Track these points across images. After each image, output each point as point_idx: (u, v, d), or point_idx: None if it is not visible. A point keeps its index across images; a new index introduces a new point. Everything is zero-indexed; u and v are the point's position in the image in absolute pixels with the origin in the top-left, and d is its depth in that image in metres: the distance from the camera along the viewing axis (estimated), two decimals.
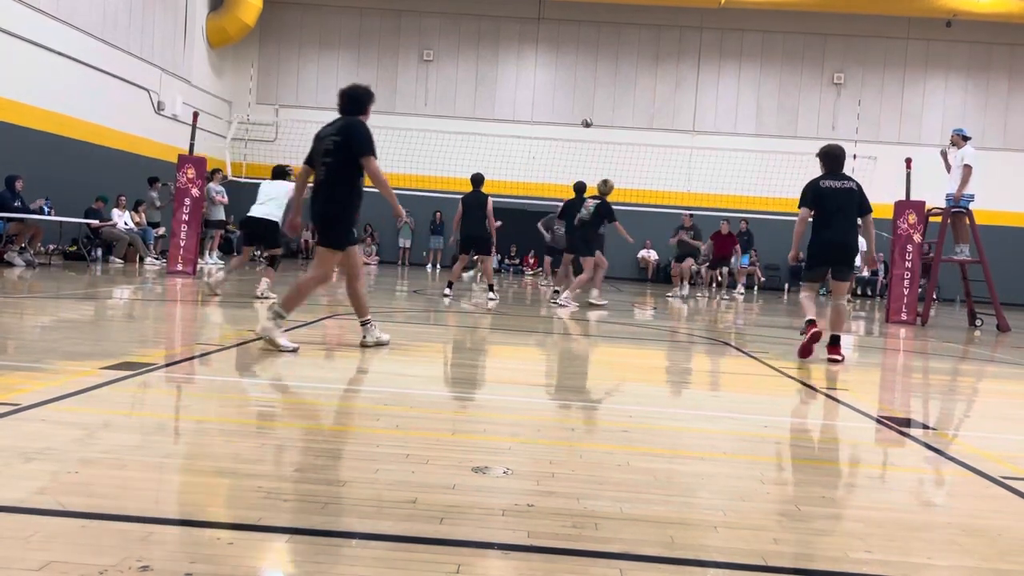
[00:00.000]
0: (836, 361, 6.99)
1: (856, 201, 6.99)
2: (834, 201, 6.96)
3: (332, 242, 5.91)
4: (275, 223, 9.93)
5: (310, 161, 5.99)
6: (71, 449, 2.94)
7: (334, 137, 5.84)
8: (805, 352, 7.02)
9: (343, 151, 5.77)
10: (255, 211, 9.96)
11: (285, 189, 9.96)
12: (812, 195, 7.05)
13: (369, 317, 6.18)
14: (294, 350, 5.59)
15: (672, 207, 20.96)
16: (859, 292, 23.05)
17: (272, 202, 9.94)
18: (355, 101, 5.98)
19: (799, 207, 7.19)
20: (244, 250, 10.67)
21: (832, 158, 7.15)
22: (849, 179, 7.11)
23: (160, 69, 20.25)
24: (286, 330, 5.92)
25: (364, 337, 6.16)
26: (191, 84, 21.93)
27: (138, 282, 11.78)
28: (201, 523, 2.37)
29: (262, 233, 10.10)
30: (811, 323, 7.01)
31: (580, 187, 12.93)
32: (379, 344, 6.15)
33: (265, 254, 11.04)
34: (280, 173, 10.65)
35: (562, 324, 9.70)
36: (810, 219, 7.12)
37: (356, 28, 25.26)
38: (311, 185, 6.08)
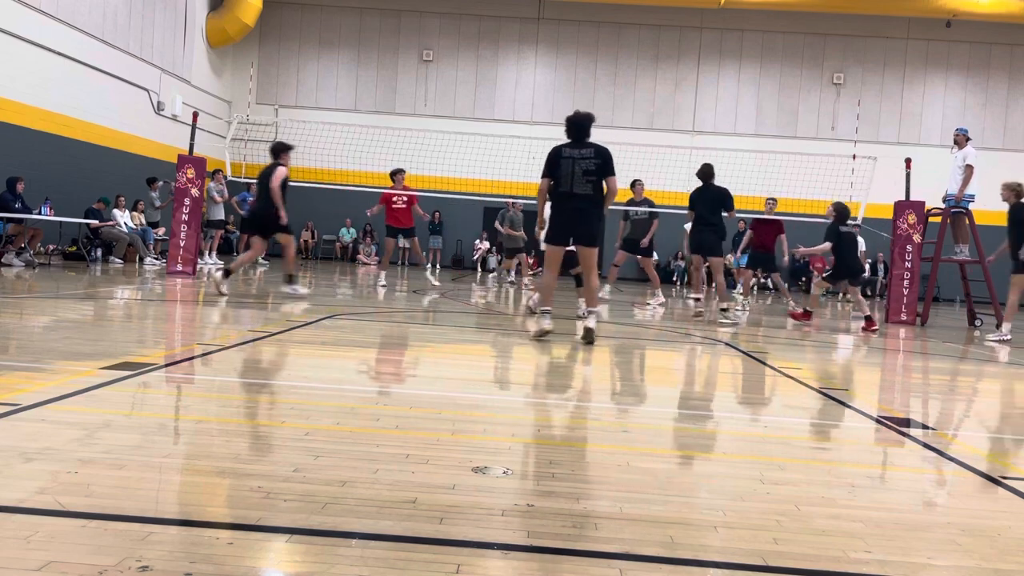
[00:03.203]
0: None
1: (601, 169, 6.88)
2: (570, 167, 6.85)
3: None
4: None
5: None
6: (71, 449, 2.94)
7: None
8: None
9: None
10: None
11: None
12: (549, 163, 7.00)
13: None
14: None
15: (672, 207, 20.95)
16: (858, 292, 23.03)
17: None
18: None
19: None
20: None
21: (574, 125, 7.05)
22: (592, 145, 6.94)
23: (160, 69, 20.25)
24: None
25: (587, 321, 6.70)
26: (191, 84, 21.93)
27: (138, 282, 11.78)
28: (201, 523, 2.37)
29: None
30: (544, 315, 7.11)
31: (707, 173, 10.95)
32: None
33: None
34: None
35: (562, 324, 9.70)
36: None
37: (356, 28, 25.26)
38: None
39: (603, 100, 25.09)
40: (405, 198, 13.11)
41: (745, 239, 14.19)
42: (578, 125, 6.97)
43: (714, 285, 10.37)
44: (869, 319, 10.81)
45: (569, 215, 6.87)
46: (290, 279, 10.11)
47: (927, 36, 24.44)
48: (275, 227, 9.95)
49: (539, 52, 25.22)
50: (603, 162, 6.81)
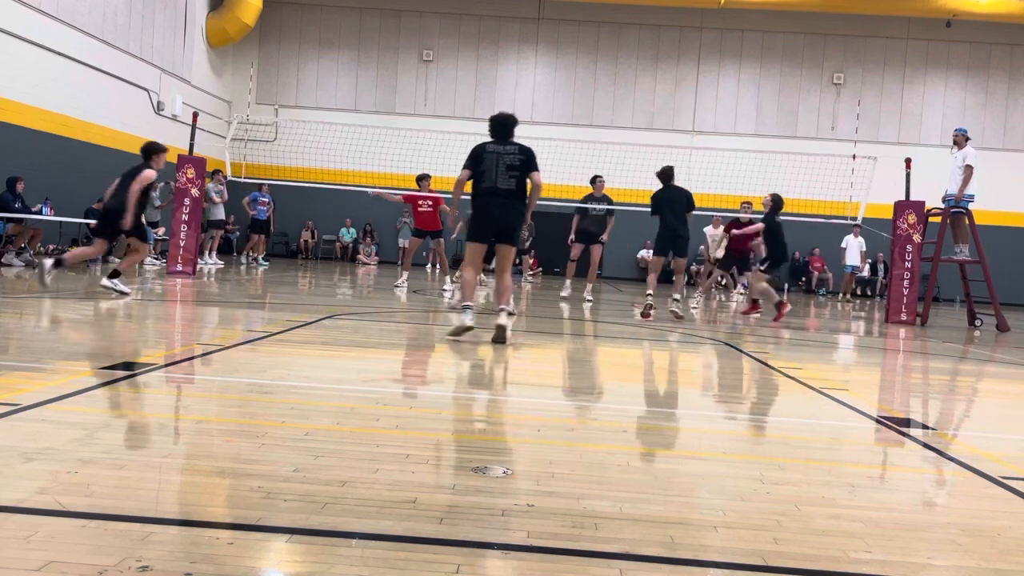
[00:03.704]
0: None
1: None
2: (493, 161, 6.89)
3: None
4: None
5: None
6: (71, 449, 2.94)
7: None
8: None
9: None
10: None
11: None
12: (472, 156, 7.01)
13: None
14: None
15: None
16: (859, 292, 23.06)
17: None
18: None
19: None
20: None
21: (498, 124, 7.09)
22: (516, 143, 7.01)
23: (160, 69, 20.25)
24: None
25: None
26: (191, 84, 21.93)
27: (138, 282, 11.78)
28: (201, 523, 2.37)
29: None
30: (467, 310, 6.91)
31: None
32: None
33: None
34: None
35: (562, 324, 9.69)
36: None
37: (356, 28, 25.26)
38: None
39: (603, 100, 25.09)
40: (431, 202, 13.11)
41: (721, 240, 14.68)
42: (502, 124, 7.02)
43: (673, 280, 10.68)
44: (755, 303, 11.75)
45: (491, 212, 6.85)
46: (115, 274, 9.07)
47: (927, 36, 24.44)
48: (121, 228, 9.16)
49: (539, 52, 25.23)
50: (527, 158, 6.87)
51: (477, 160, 6.91)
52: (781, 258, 11.66)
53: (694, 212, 10.46)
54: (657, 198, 10.37)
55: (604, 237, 12.89)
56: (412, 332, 8.11)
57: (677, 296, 10.39)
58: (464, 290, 7.02)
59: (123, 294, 8.84)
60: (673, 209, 10.15)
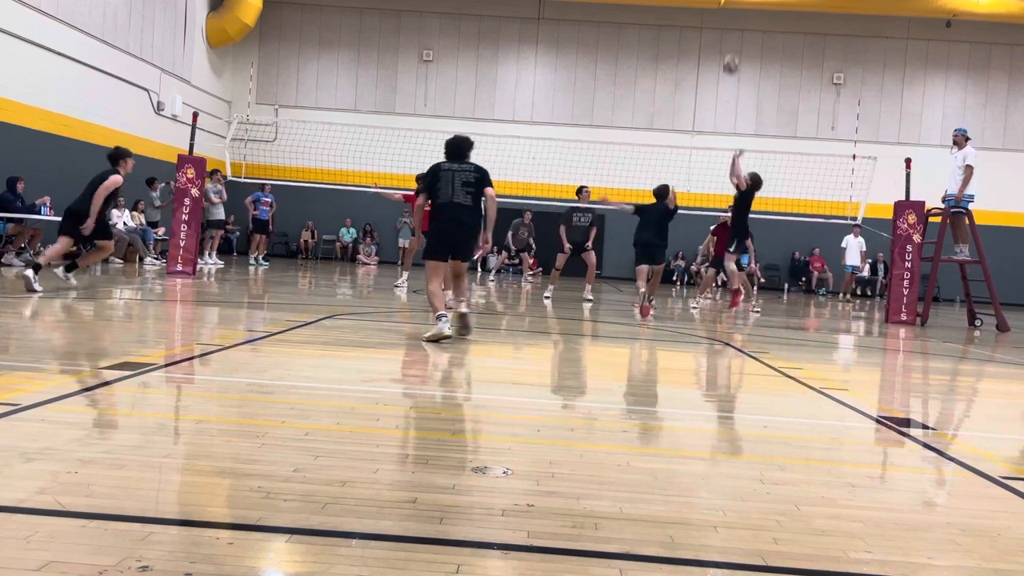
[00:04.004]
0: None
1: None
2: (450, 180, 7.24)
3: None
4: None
5: None
6: (71, 449, 2.94)
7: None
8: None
9: None
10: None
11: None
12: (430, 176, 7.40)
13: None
14: None
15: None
16: (859, 292, 23.05)
17: None
18: None
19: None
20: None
21: (453, 146, 7.42)
22: (471, 163, 7.38)
23: (160, 69, 20.25)
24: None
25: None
26: (191, 84, 21.93)
27: (138, 282, 11.78)
28: (201, 523, 2.37)
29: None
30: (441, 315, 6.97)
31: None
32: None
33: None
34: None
35: (562, 325, 9.69)
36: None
37: (356, 28, 25.26)
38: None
39: (603, 100, 25.09)
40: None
41: (705, 244, 14.94)
42: (457, 146, 7.38)
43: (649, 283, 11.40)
44: (737, 292, 12.01)
45: (448, 227, 7.17)
46: (69, 268, 9.60)
47: (927, 36, 24.44)
48: (82, 232, 9.40)
49: (539, 52, 25.22)
50: (481, 176, 7.22)
51: (434, 179, 7.22)
52: (744, 233, 12.27)
53: (677, 211, 11.38)
54: (643, 209, 11.44)
55: (589, 244, 13.11)
56: (412, 332, 8.11)
57: (651, 298, 11.27)
58: (434, 301, 7.11)
59: (71, 283, 9.40)
60: (649, 226, 11.22)
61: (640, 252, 11.32)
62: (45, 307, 7.85)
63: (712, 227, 15.12)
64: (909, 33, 24.57)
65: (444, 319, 6.84)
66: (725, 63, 13.60)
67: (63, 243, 9.56)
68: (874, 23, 24.31)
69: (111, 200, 9.73)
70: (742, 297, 12.04)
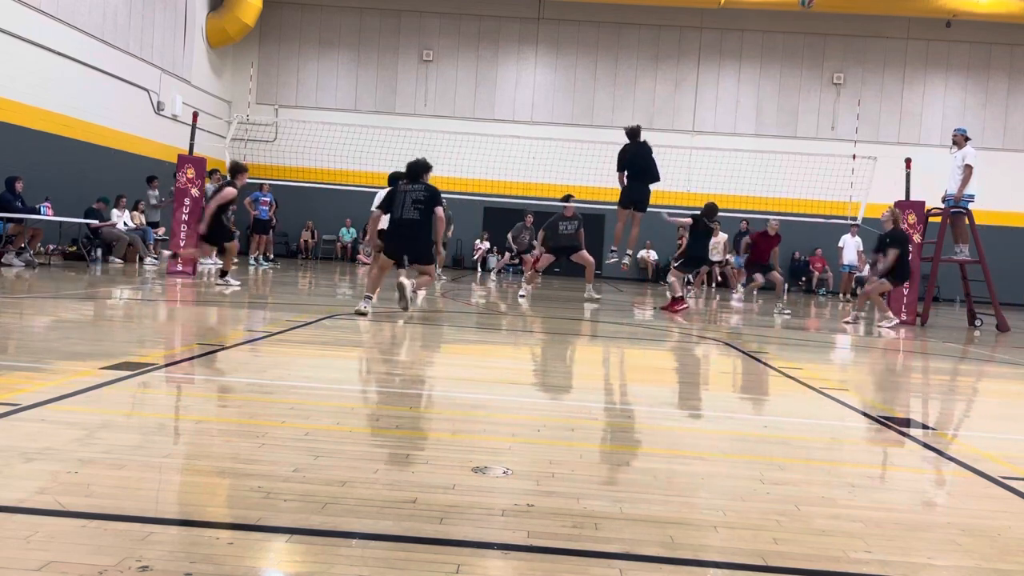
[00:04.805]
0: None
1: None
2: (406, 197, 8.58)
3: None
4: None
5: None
6: (71, 449, 2.94)
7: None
8: None
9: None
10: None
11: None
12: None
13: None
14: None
15: (672, 207, 20.97)
16: (859, 292, 23.04)
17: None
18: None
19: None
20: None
21: (410, 169, 8.76)
22: (424, 183, 8.67)
23: (160, 69, 20.25)
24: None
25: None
26: (191, 84, 21.93)
27: (138, 282, 11.79)
28: (201, 523, 2.37)
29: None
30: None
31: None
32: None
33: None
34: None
35: (562, 325, 9.69)
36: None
37: (356, 28, 25.26)
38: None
39: (603, 100, 25.09)
40: None
41: (742, 246, 15.43)
42: (413, 169, 8.69)
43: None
44: (679, 300, 11.94)
45: (400, 237, 8.48)
46: (222, 274, 11.23)
47: (927, 36, 24.44)
48: (200, 235, 10.91)
49: (539, 52, 25.22)
50: (430, 196, 8.47)
51: (391, 198, 8.59)
52: (696, 260, 12.63)
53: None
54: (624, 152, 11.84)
55: (580, 245, 13.00)
56: (412, 332, 8.10)
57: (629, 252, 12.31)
58: (368, 283, 8.63)
59: (233, 285, 10.83)
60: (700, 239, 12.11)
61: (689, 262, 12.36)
62: (46, 307, 7.85)
63: (750, 233, 15.18)
64: (909, 33, 24.57)
65: (368, 300, 8.28)
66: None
67: (203, 250, 11.51)
68: (874, 23, 24.31)
69: (225, 211, 11.12)
70: (682, 307, 11.86)
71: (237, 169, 10.96)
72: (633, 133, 11.89)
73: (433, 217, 8.40)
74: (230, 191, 10.64)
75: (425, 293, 9.94)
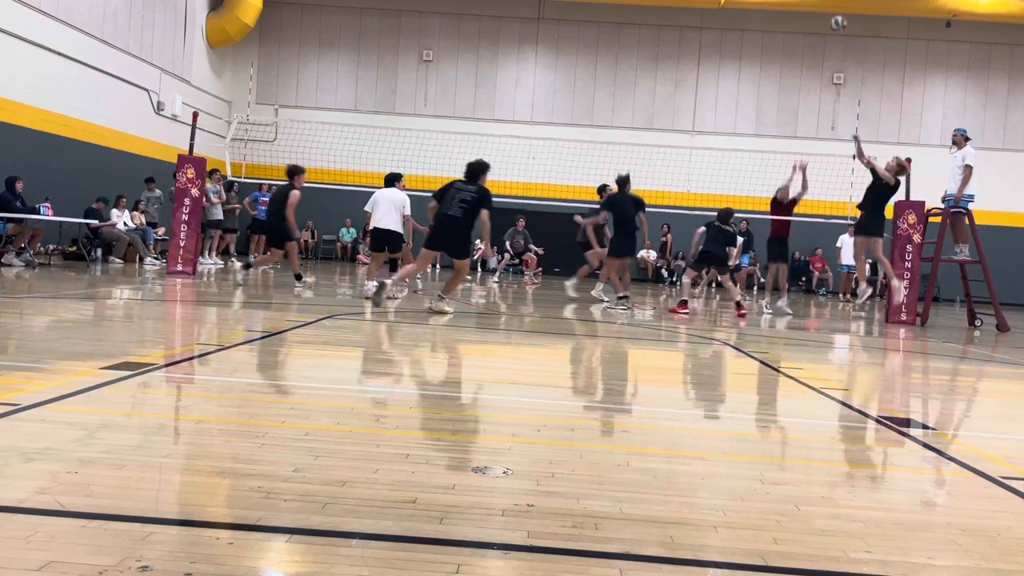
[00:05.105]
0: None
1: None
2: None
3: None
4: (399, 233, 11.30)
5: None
6: (71, 449, 2.94)
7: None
8: None
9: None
10: (381, 223, 11.19)
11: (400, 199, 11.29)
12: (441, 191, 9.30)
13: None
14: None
15: (672, 207, 20.98)
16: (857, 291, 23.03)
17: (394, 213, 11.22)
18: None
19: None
20: (373, 256, 11.89)
21: (468, 168, 9.22)
22: (477, 185, 9.06)
23: (160, 69, 20.25)
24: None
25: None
26: (191, 84, 21.93)
27: (138, 282, 11.78)
28: (201, 523, 2.37)
29: (388, 241, 11.30)
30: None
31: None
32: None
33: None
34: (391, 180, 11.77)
35: (562, 325, 9.69)
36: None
37: (356, 28, 25.26)
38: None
39: (603, 100, 25.09)
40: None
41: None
42: (470, 170, 9.15)
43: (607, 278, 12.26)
44: (739, 304, 11.80)
45: (441, 231, 9.06)
46: (298, 277, 11.43)
47: (927, 36, 24.43)
48: (291, 237, 11.41)
49: (539, 52, 25.22)
50: (479, 198, 8.91)
51: (444, 192, 9.09)
52: (708, 257, 12.11)
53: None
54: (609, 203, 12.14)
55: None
56: (412, 332, 8.11)
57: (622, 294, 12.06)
58: (404, 275, 9.93)
59: (307, 283, 11.63)
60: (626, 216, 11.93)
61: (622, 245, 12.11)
62: (46, 307, 7.85)
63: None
64: (909, 33, 24.57)
65: (372, 286, 9.38)
66: (836, 22, 14.02)
67: (275, 254, 11.79)
68: (874, 23, 24.30)
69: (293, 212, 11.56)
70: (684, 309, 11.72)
71: (296, 171, 11.39)
72: (622, 181, 12.19)
73: (477, 218, 8.90)
74: (296, 194, 11.12)
75: (458, 291, 10.74)
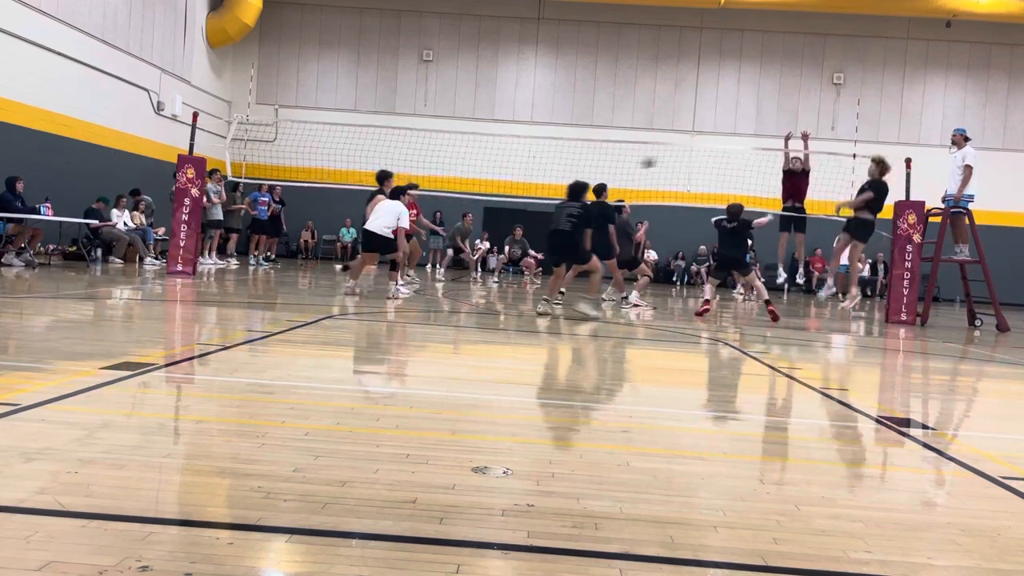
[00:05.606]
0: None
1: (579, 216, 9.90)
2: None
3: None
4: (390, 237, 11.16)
5: None
6: (71, 449, 2.94)
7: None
8: None
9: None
10: (370, 225, 11.09)
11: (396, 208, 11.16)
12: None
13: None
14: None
15: (672, 207, 20.97)
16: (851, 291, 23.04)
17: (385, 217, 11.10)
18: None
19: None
20: (364, 257, 11.81)
21: (568, 188, 10.14)
22: (579, 204, 9.98)
23: (160, 69, 20.25)
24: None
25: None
26: (191, 84, 21.93)
27: (138, 282, 11.78)
28: (201, 523, 2.37)
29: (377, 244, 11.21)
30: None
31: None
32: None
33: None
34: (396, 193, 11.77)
35: (562, 324, 9.69)
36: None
37: (356, 28, 25.26)
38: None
39: (603, 100, 25.09)
40: (415, 211, 13.95)
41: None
42: (571, 190, 10.13)
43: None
44: (768, 303, 11.43)
45: (556, 246, 10.11)
46: (394, 278, 11.50)
47: (927, 36, 24.43)
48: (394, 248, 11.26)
49: (539, 52, 25.21)
50: (584, 213, 9.92)
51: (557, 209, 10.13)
52: (725, 261, 11.91)
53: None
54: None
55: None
56: (412, 332, 8.11)
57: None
58: (554, 282, 10.54)
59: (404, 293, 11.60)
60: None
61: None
62: (46, 307, 7.85)
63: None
64: (909, 33, 24.56)
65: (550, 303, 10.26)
66: (645, 160, 14.26)
67: (370, 260, 11.98)
68: (874, 23, 24.30)
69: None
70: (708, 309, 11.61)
71: (385, 176, 11.82)
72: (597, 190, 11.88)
73: (583, 231, 9.94)
74: (402, 201, 11.36)
75: (601, 291, 11.54)
